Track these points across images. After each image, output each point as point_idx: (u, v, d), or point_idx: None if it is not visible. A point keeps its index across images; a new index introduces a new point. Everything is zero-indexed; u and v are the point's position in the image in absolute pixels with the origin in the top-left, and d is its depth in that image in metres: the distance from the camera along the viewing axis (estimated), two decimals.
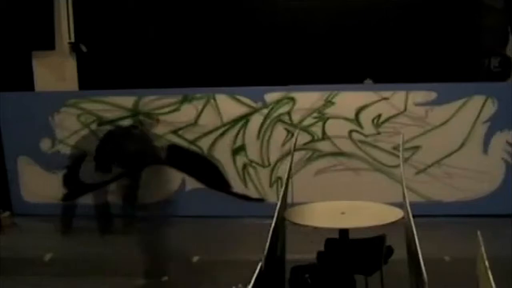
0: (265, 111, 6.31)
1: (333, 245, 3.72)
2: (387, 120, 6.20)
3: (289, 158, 5.36)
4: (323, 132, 6.28)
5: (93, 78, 6.80)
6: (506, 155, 6.13)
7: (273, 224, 2.94)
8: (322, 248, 3.77)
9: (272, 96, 6.30)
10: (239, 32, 6.78)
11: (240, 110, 6.33)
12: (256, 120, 6.33)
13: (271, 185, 6.40)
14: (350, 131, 6.26)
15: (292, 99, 6.27)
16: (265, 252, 2.55)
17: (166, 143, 6.42)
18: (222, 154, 6.40)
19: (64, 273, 4.78)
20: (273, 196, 6.24)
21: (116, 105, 6.41)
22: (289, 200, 4.65)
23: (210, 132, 6.37)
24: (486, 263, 2.15)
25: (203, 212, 6.36)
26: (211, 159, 6.42)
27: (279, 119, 6.31)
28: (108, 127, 6.37)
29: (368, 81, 6.54)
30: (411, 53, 6.59)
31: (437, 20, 6.65)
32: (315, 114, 6.27)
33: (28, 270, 4.87)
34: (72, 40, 6.78)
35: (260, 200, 6.41)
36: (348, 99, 6.23)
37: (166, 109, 6.38)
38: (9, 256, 5.09)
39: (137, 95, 6.39)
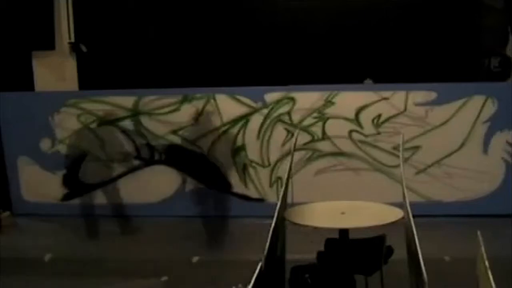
0: (265, 111, 6.31)
1: (333, 245, 3.72)
2: (387, 120, 6.20)
3: (289, 158, 5.36)
4: (323, 132, 6.28)
5: (93, 78, 6.80)
6: (506, 155, 6.13)
7: (273, 224, 2.94)
8: (322, 248, 3.77)
9: (272, 96, 6.30)
10: (239, 32, 6.79)
11: (240, 110, 6.33)
12: (256, 120, 6.33)
13: (271, 185, 6.40)
14: (350, 131, 6.26)
15: (292, 99, 6.27)
16: (265, 252, 2.56)
17: (166, 143, 6.42)
18: (222, 154, 6.40)
19: (64, 273, 4.78)
20: (273, 196, 6.24)
21: (116, 105, 6.41)
22: (289, 200, 4.65)
23: (210, 132, 6.38)
24: (486, 263, 2.15)
25: (203, 212, 6.36)
26: (211, 159, 6.42)
27: (279, 119, 6.31)
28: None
29: (368, 81, 6.54)
30: (411, 53, 6.59)
31: (437, 20, 6.65)
32: (315, 114, 6.27)
33: (28, 270, 4.87)
34: (72, 40, 6.78)
35: (260, 200, 6.40)
36: (348, 99, 6.23)
37: (166, 109, 6.38)
38: (9, 256, 5.09)
39: (137, 95, 6.39)
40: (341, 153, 6.29)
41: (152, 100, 6.38)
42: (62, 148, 6.52)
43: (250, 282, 2.18)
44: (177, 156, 6.44)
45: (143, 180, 6.47)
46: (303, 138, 6.21)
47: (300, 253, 4.06)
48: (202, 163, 6.43)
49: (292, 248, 4.01)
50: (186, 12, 6.91)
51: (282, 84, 6.28)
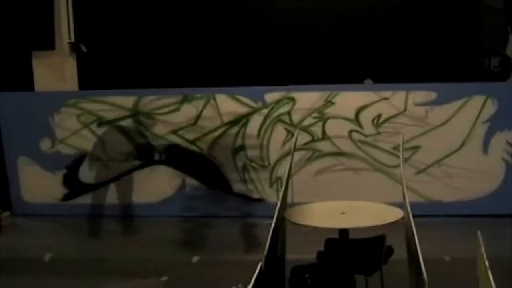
0: (265, 111, 6.31)
1: (333, 245, 3.71)
2: (387, 120, 6.20)
3: (289, 158, 5.36)
4: (323, 132, 6.28)
5: (93, 78, 6.80)
6: (506, 155, 6.13)
7: (273, 224, 2.94)
8: (322, 248, 3.77)
9: (272, 96, 6.30)
10: (239, 32, 6.79)
11: (240, 110, 6.33)
12: (256, 120, 6.33)
13: (271, 185, 6.40)
14: (350, 131, 6.26)
15: (292, 99, 6.27)
16: (265, 252, 2.56)
17: (166, 143, 6.42)
18: (222, 154, 6.40)
19: (64, 273, 4.78)
20: (273, 196, 6.24)
21: (116, 105, 6.41)
22: (289, 200, 4.65)
23: (210, 132, 6.38)
24: (486, 263, 2.15)
25: (203, 212, 6.36)
26: (211, 159, 6.42)
27: (279, 119, 6.31)
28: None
29: (368, 81, 6.54)
30: (411, 53, 6.59)
31: (437, 20, 6.65)
32: (315, 114, 6.27)
33: (28, 270, 4.87)
34: (72, 40, 6.78)
35: (260, 200, 6.40)
36: (348, 99, 6.23)
37: (166, 109, 6.38)
38: (9, 256, 5.09)
39: (137, 95, 6.39)
40: (341, 153, 6.29)
41: (152, 100, 6.38)
42: (62, 148, 6.52)
43: (250, 282, 2.18)
44: (177, 156, 6.44)
45: (143, 180, 6.47)
46: (303, 138, 6.21)
47: (300, 253, 4.06)
48: (202, 163, 6.43)
49: (292, 248, 4.01)
50: (186, 12, 6.91)
51: (282, 84, 6.28)
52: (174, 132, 6.40)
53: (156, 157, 6.45)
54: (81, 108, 6.47)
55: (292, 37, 6.66)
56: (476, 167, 6.13)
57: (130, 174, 6.47)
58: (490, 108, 6.08)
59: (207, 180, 6.46)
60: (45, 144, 6.53)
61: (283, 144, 6.31)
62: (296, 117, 6.28)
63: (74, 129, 6.47)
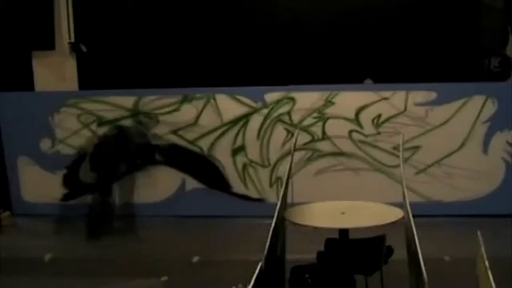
0: (265, 111, 6.31)
1: (333, 245, 3.72)
2: (387, 120, 6.20)
3: (289, 158, 5.36)
4: (323, 132, 6.28)
5: (93, 78, 6.80)
6: (506, 155, 6.13)
7: (273, 224, 2.94)
8: (322, 248, 3.77)
9: (272, 96, 6.30)
10: (239, 32, 6.78)
11: (240, 110, 6.33)
12: (256, 120, 6.33)
13: (271, 185, 6.40)
14: (350, 131, 6.26)
15: (292, 99, 6.27)
16: (265, 252, 2.56)
17: (166, 143, 6.42)
18: (222, 154, 6.40)
19: (64, 273, 4.78)
20: (273, 196, 6.24)
21: (116, 105, 6.41)
22: (289, 200, 4.64)
23: (210, 132, 6.38)
24: (486, 263, 2.15)
25: (203, 212, 6.36)
26: (211, 159, 6.42)
27: (279, 119, 6.31)
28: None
29: (368, 81, 6.54)
30: (411, 53, 6.58)
31: (437, 20, 6.65)
32: (315, 114, 6.27)
33: (28, 270, 4.87)
34: (72, 40, 6.78)
35: (260, 200, 6.40)
36: (348, 99, 6.23)
37: (166, 109, 6.38)
38: (9, 256, 5.09)
39: (137, 95, 6.39)
40: (341, 153, 6.29)
41: (152, 100, 6.38)
42: (62, 148, 6.52)
43: (250, 282, 2.18)
44: (177, 156, 6.44)
45: (143, 180, 6.47)
46: (303, 138, 6.21)
47: (300, 253, 4.06)
48: (202, 163, 6.43)
49: (292, 248, 4.01)
50: (186, 12, 6.91)
51: (282, 84, 6.28)
52: (174, 132, 6.40)
53: (156, 157, 6.45)
54: (81, 108, 6.47)
55: (292, 37, 6.66)
56: (476, 167, 6.13)
57: (131, 174, 6.47)
58: (490, 108, 6.08)
59: (207, 180, 6.46)
60: (45, 144, 6.54)
61: (283, 144, 6.32)
62: (296, 117, 6.29)
63: (74, 129, 6.48)
